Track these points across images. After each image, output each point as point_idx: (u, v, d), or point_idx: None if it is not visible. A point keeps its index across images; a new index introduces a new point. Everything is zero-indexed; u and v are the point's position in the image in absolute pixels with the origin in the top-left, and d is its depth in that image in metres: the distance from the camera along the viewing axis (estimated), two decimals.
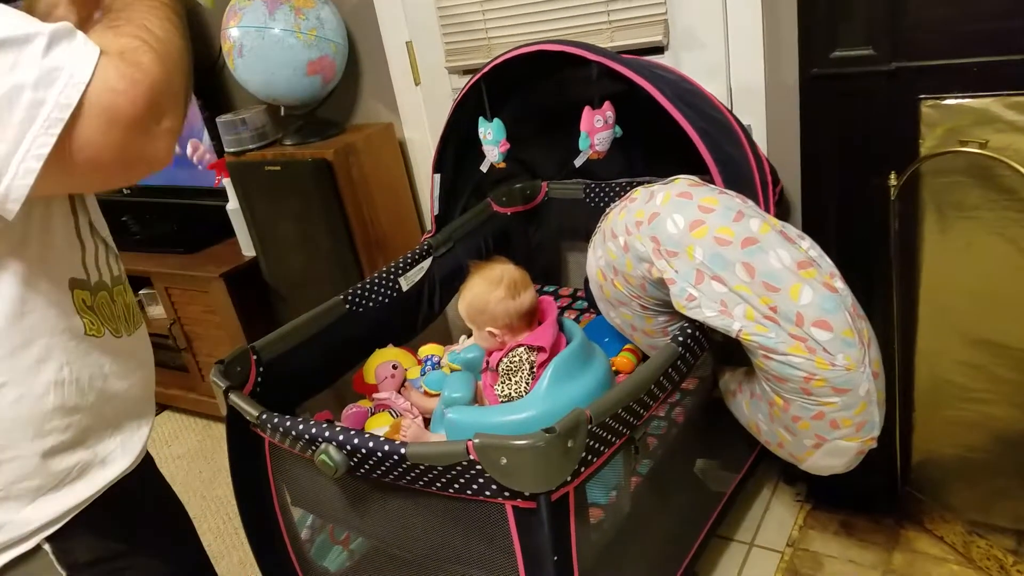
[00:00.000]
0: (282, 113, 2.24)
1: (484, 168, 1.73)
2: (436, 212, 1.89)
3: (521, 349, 1.35)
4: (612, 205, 1.42)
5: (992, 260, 1.50)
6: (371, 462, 1.09)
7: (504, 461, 0.98)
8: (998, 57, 1.35)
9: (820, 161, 1.60)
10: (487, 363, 1.42)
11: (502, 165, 1.68)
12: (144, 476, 0.86)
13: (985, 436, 1.65)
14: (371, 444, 1.07)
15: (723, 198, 1.23)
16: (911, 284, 1.57)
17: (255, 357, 1.42)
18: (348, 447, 1.09)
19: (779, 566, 1.74)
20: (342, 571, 1.48)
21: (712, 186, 1.28)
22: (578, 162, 1.59)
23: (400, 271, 1.79)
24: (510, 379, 1.33)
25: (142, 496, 0.85)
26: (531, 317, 1.44)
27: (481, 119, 1.65)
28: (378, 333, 1.71)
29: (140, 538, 0.81)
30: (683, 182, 1.28)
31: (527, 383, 1.30)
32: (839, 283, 1.16)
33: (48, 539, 0.70)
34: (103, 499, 0.76)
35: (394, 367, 1.56)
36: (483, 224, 2.06)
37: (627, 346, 1.66)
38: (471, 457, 1.00)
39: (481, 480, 1.03)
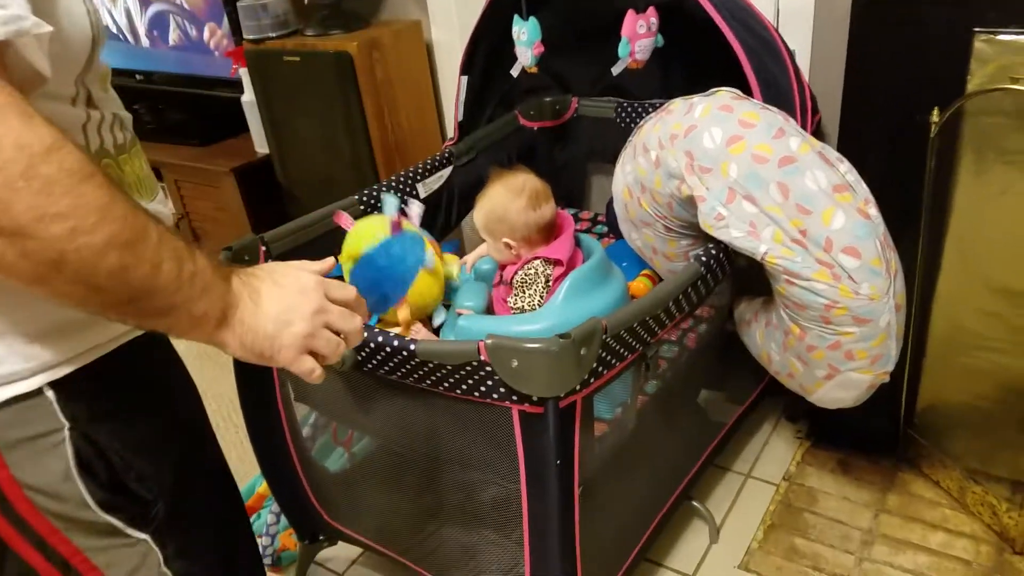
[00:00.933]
0: (306, 1, 2.15)
1: (515, 72, 1.66)
2: (460, 118, 1.83)
3: (537, 262, 1.32)
4: (647, 118, 1.36)
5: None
6: (379, 357, 1.08)
7: (515, 363, 0.96)
8: None
9: (863, 92, 1.53)
10: (500, 276, 1.39)
11: (534, 70, 1.61)
12: (157, 348, 0.85)
13: (994, 386, 1.63)
14: (380, 339, 1.05)
15: (765, 114, 1.17)
16: (940, 226, 1.53)
17: (264, 248, 1.39)
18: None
19: (774, 498, 1.75)
20: (343, 471, 1.49)
21: (755, 101, 1.22)
22: (616, 69, 1.52)
23: (419, 176, 1.74)
24: (524, 292, 1.30)
25: (152, 366, 0.84)
26: (549, 231, 1.41)
27: (516, 17, 1.58)
28: None
29: (147, 403, 0.80)
30: (726, 95, 1.23)
31: (541, 297, 1.28)
32: (873, 210, 1.12)
33: (52, 385, 0.69)
34: (113, 357, 0.74)
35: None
36: (508, 137, 2.00)
37: (645, 271, 1.63)
38: (482, 358, 0.99)
39: (490, 382, 1.02)
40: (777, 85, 1.41)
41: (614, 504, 1.24)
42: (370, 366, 1.11)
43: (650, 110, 1.95)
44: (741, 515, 1.71)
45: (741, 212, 1.16)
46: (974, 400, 1.65)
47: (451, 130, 2.42)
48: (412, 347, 1.02)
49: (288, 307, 0.68)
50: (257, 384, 1.39)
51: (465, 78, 1.79)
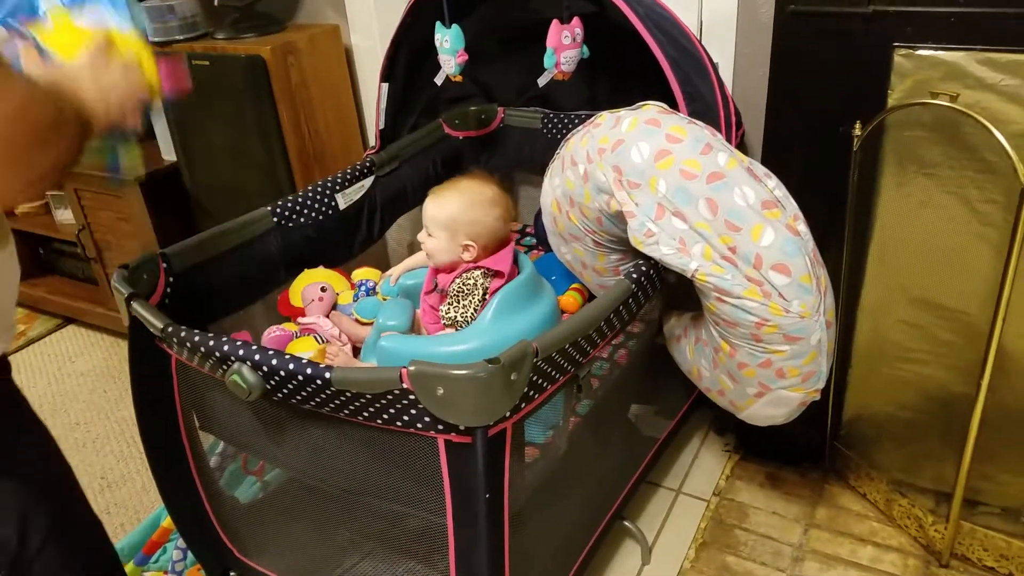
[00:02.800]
0: (216, 3, 2.04)
1: (439, 80, 1.60)
2: (382, 126, 1.75)
3: (478, 272, 1.25)
4: (575, 130, 1.32)
5: (946, 220, 1.47)
6: (290, 386, 0.99)
7: (441, 391, 0.90)
8: (976, 9, 1.29)
9: (787, 104, 1.54)
10: (434, 283, 1.32)
11: (459, 79, 1.55)
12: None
13: (917, 396, 1.66)
14: (291, 366, 0.97)
15: (692, 128, 1.15)
16: (863, 238, 1.54)
17: (165, 265, 1.28)
18: (265, 368, 0.99)
19: (704, 515, 1.73)
20: (254, 502, 1.39)
21: (681, 115, 1.19)
22: (541, 81, 1.48)
23: (338, 187, 1.65)
24: (459, 302, 1.23)
25: None
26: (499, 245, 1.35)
27: (439, 24, 1.52)
28: (308, 252, 1.58)
29: None
30: (652, 108, 1.19)
31: (476, 309, 1.21)
32: (802, 226, 1.10)
33: None
34: None
35: (323, 289, 1.45)
36: (433, 146, 1.93)
37: (575, 285, 1.58)
38: (404, 385, 0.92)
39: (413, 411, 0.95)
40: (702, 98, 1.39)
41: (546, 531, 1.18)
42: (280, 395, 1.02)
43: (577, 121, 1.92)
44: (672, 533, 1.68)
45: (671, 228, 1.13)
46: (898, 411, 1.67)
47: (373, 138, 2.35)
48: (327, 375, 0.94)
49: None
50: (158, 412, 1.28)
51: (386, 85, 1.71)
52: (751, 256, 1.08)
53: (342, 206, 1.66)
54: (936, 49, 1.36)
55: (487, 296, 1.24)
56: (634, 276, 1.16)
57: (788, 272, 1.08)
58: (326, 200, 1.63)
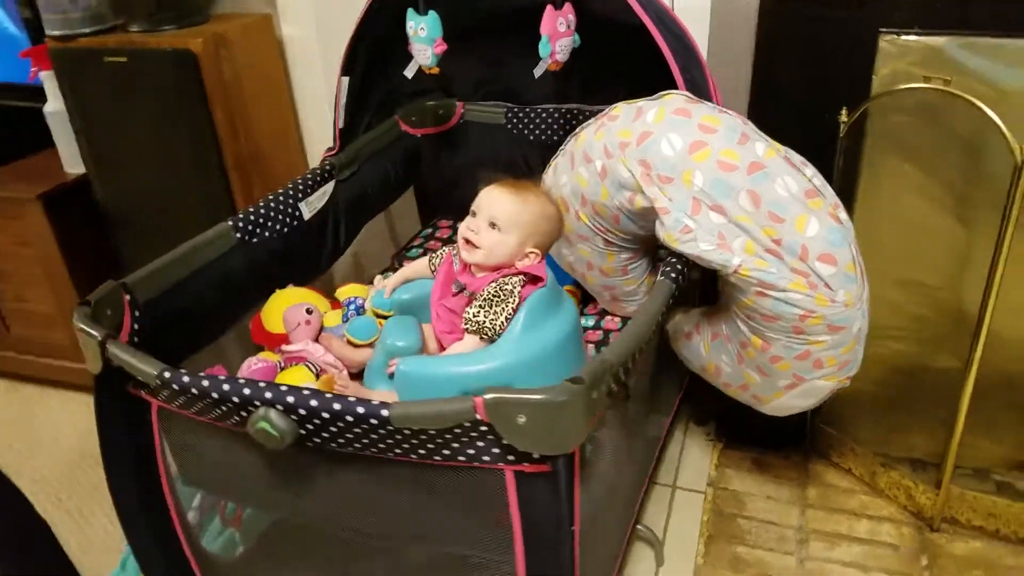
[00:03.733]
0: None
1: (410, 73, 1.47)
2: (342, 125, 1.60)
3: (516, 279, 1.14)
4: (585, 124, 1.24)
5: (927, 202, 1.50)
6: (333, 429, 0.87)
7: (523, 420, 0.80)
8: None
9: (772, 92, 1.52)
10: (460, 286, 1.20)
11: (435, 70, 1.44)
12: None
13: (891, 372, 1.70)
14: (336, 407, 0.84)
15: (725, 117, 1.10)
16: None
17: (128, 297, 1.11)
18: (301, 411, 0.86)
19: (704, 507, 1.71)
20: (247, 555, 1.24)
21: (710, 103, 1.14)
22: (537, 72, 1.38)
23: (300, 194, 1.50)
24: (491, 307, 1.12)
25: None
26: None
27: (411, 12, 1.39)
28: (275, 270, 1.43)
29: None
30: (678, 98, 1.13)
31: (507, 318, 1.11)
32: (843, 214, 1.08)
33: None
34: None
35: (308, 311, 1.30)
36: (391, 145, 1.80)
37: (567, 286, 1.51)
38: (478, 416, 0.81)
39: (481, 443, 0.85)
40: (699, 89, 1.34)
41: (594, 551, 1.11)
42: (317, 440, 0.89)
43: (544, 116, 1.84)
44: (678, 530, 1.65)
45: (708, 223, 1.08)
46: (874, 387, 1.71)
47: (314, 137, 2.18)
48: (384, 413, 0.83)
49: None
50: (133, 470, 1.11)
51: (346, 79, 1.57)
52: (797, 247, 1.05)
53: (307, 216, 1.51)
54: (921, 35, 1.38)
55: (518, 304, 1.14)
56: (672, 276, 1.10)
57: (834, 262, 1.05)
58: (289, 210, 1.47)
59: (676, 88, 1.30)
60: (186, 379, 0.91)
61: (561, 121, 1.84)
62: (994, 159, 1.41)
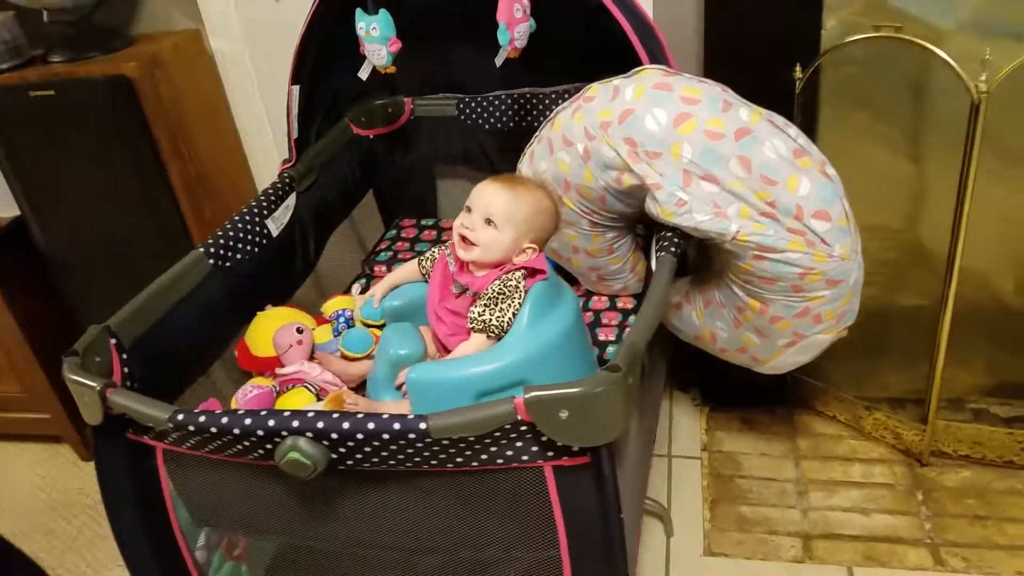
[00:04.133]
0: (46, 19, 1.70)
1: (364, 75, 1.43)
2: (296, 135, 1.55)
3: (519, 273, 1.12)
4: (559, 108, 1.23)
5: (882, 148, 1.55)
6: (367, 449, 0.84)
7: (564, 414, 0.79)
8: None
9: (723, 53, 1.54)
10: (461, 287, 1.17)
11: (391, 69, 1.39)
12: None
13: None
14: (371, 426, 0.81)
15: (705, 87, 1.10)
16: None
17: (114, 341, 1.05)
18: (333, 435, 0.83)
19: (703, 472, 1.74)
20: None
21: (686, 75, 1.14)
22: (498, 60, 1.36)
23: (265, 212, 1.44)
24: (496, 304, 1.10)
25: None
26: None
27: (360, 12, 1.34)
28: (251, 292, 1.37)
29: None
30: (655, 72, 1.13)
31: (514, 313, 1.09)
32: (831, 170, 1.10)
33: None
34: None
35: (299, 331, 1.25)
36: (345, 150, 1.75)
37: None
38: (519, 417, 0.80)
39: (519, 444, 0.84)
40: (658, 60, 1.34)
41: (631, 536, 1.11)
42: (349, 463, 0.86)
43: (496, 103, 1.82)
44: (682, 498, 1.67)
45: (701, 193, 1.08)
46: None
47: (257, 152, 2.10)
48: (422, 426, 0.80)
49: None
50: (142, 519, 1.05)
51: (296, 88, 1.51)
52: (791, 207, 1.06)
53: (275, 232, 1.46)
54: None
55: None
56: (672, 250, 1.10)
57: (828, 217, 1.07)
58: (257, 228, 1.41)
59: (636, 63, 1.30)
60: (203, 419, 0.86)
61: (515, 107, 1.82)
62: (944, 101, 1.46)
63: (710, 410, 1.93)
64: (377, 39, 1.35)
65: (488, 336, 1.11)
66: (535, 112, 1.81)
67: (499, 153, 1.86)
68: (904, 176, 1.57)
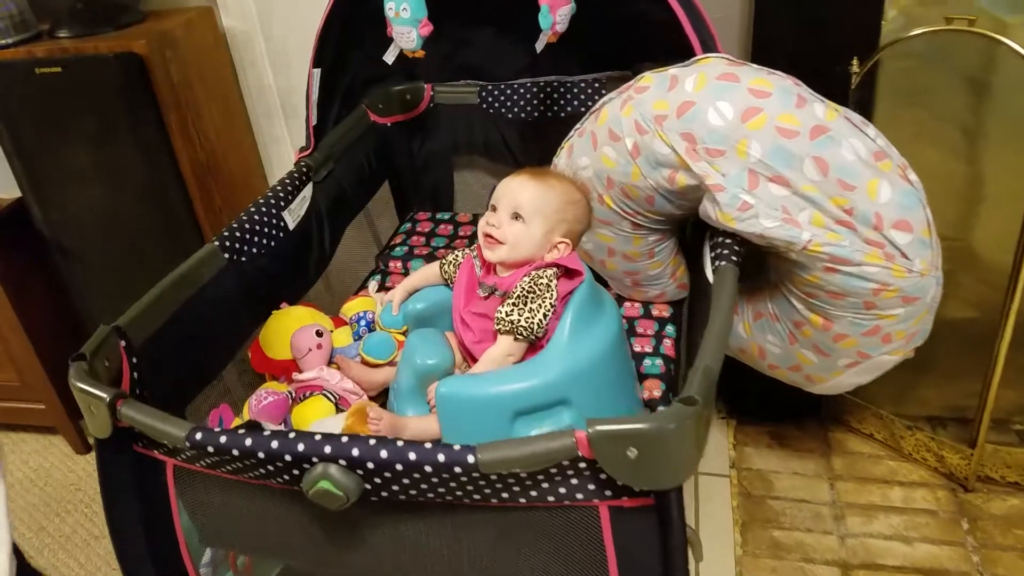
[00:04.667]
0: None
1: (390, 59, 1.32)
2: (315, 122, 1.44)
3: (551, 271, 1.02)
4: (604, 99, 1.12)
5: (939, 149, 1.45)
6: (406, 480, 0.74)
7: (633, 453, 0.69)
8: None
9: (772, 48, 1.44)
10: (488, 289, 1.07)
11: (420, 54, 1.29)
12: None
13: None
14: (413, 456, 0.72)
15: (775, 79, 1.00)
16: None
17: (124, 343, 0.95)
18: (370, 464, 0.73)
19: (732, 492, 1.64)
20: None
21: (753, 64, 1.03)
22: (539, 45, 1.25)
23: (281, 203, 1.34)
24: (525, 304, 0.99)
25: None
26: None
27: None
28: (266, 289, 1.27)
29: None
30: (719, 61, 1.03)
31: (544, 314, 0.99)
32: (912, 175, 1.00)
33: None
34: None
35: (319, 334, 1.15)
36: (362, 138, 1.65)
37: None
38: (580, 453, 0.70)
39: (575, 481, 0.74)
40: (710, 49, 1.23)
41: None
42: (384, 495, 0.76)
43: (521, 92, 1.72)
44: (711, 519, 1.58)
45: (769, 197, 0.98)
46: None
47: (267, 136, 2.00)
48: (471, 459, 0.70)
49: None
50: (147, 536, 0.95)
51: (318, 72, 1.41)
52: (870, 216, 0.96)
53: (291, 225, 1.35)
54: None
55: (556, 304, 1.02)
56: (733, 259, 1.00)
57: (910, 228, 0.97)
58: (274, 221, 1.31)
59: (679, 52, 1.20)
60: (224, 440, 0.76)
61: (541, 96, 1.72)
62: (1012, 99, 1.36)
63: (737, 423, 1.84)
64: (407, 21, 1.25)
65: (516, 338, 1.01)
66: (562, 102, 1.71)
67: (522, 144, 1.76)
68: (961, 180, 1.47)
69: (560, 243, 1.04)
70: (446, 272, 1.19)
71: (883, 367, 1.14)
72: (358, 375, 1.15)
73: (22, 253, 1.77)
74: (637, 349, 1.30)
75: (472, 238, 1.72)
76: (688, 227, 1.31)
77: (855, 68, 1.38)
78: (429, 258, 1.63)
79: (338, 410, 1.12)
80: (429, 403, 1.03)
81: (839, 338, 1.09)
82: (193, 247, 1.58)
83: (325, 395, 1.11)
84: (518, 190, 1.05)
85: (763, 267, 1.19)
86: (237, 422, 1.10)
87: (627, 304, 1.43)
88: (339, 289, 1.55)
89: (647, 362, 1.27)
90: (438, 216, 1.82)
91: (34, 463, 2.04)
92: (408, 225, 1.81)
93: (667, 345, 1.30)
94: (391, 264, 1.64)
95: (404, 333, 1.22)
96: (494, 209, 1.07)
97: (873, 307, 1.03)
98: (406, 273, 1.61)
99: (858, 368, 1.14)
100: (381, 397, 1.20)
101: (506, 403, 0.96)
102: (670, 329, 1.35)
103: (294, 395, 1.14)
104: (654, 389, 1.20)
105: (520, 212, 1.04)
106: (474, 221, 1.79)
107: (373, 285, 1.49)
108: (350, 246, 1.60)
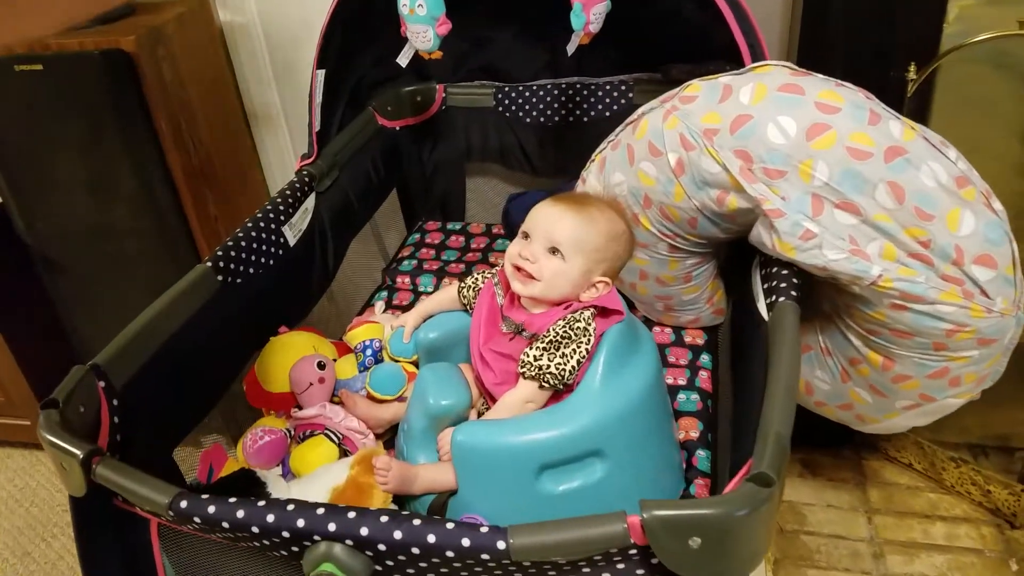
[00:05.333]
0: None
1: (404, 60, 1.21)
2: (319, 127, 1.33)
3: (588, 313, 0.90)
4: (643, 109, 1.01)
5: (1002, 162, 1.33)
6: (423, 564, 0.63)
7: (696, 543, 0.58)
8: None
9: (821, 51, 1.32)
10: (519, 326, 0.95)
11: (438, 55, 1.18)
12: None
13: None
14: (432, 539, 0.60)
15: (845, 92, 0.88)
16: None
17: (103, 383, 0.83)
18: (381, 546, 0.62)
19: None
20: None
21: (819, 75, 0.92)
22: (571, 48, 1.14)
23: (282, 217, 1.23)
24: (558, 349, 0.88)
25: None
26: None
27: None
28: (265, 313, 1.16)
29: None
30: (780, 70, 0.91)
31: (579, 362, 0.87)
32: (996, 203, 0.88)
33: None
34: None
35: (321, 365, 1.04)
36: (368, 143, 1.53)
37: None
38: (632, 540, 0.59)
39: (622, 566, 0.63)
40: (757, 55, 1.11)
41: None
42: None
43: (541, 94, 1.60)
44: None
45: (835, 225, 0.87)
46: None
47: (266, 140, 1.89)
48: (502, 546, 0.59)
49: None
50: None
51: (322, 73, 1.29)
52: (950, 250, 0.85)
53: (291, 241, 1.24)
54: None
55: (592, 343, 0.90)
56: (793, 295, 0.88)
57: (994, 264, 0.86)
58: (272, 238, 1.20)
59: (718, 56, 1.08)
60: (212, 510, 0.65)
61: (561, 99, 1.61)
62: None
63: None
64: (423, 19, 1.13)
65: (541, 386, 0.90)
66: (585, 105, 1.59)
67: (540, 150, 1.65)
68: (1019, 195, 1.36)
69: (599, 282, 0.92)
70: (465, 297, 1.08)
71: (945, 411, 1.03)
72: (364, 412, 1.03)
73: (4, 264, 1.66)
74: (670, 381, 1.19)
75: (485, 251, 1.61)
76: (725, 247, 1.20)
77: (912, 75, 1.27)
78: (439, 273, 1.52)
79: (342, 451, 1.01)
80: (440, 450, 0.92)
81: (900, 379, 0.98)
82: (186, 259, 1.46)
83: (328, 435, 0.99)
84: (555, 221, 0.92)
85: (813, 294, 1.08)
86: (230, 465, 0.99)
87: (656, 329, 1.32)
88: (343, 307, 1.44)
89: (681, 397, 1.15)
90: (448, 227, 1.71)
91: (20, 481, 1.93)
92: (417, 236, 1.70)
93: (703, 377, 1.19)
94: (399, 279, 1.53)
95: (415, 363, 1.11)
96: (525, 236, 0.95)
97: (944, 348, 0.91)
98: (414, 290, 1.50)
99: (917, 411, 1.03)
100: (389, 432, 1.09)
101: (532, 455, 0.85)
102: (705, 359, 1.23)
103: (293, 433, 1.03)
104: (691, 429, 1.09)
105: (558, 247, 0.91)
106: (487, 232, 1.68)
107: (380, 305, 1.37)
108: (354, 260, 1.49)
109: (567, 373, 0.88)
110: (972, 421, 1.66)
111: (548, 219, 0.92)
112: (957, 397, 1.00)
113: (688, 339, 1.28)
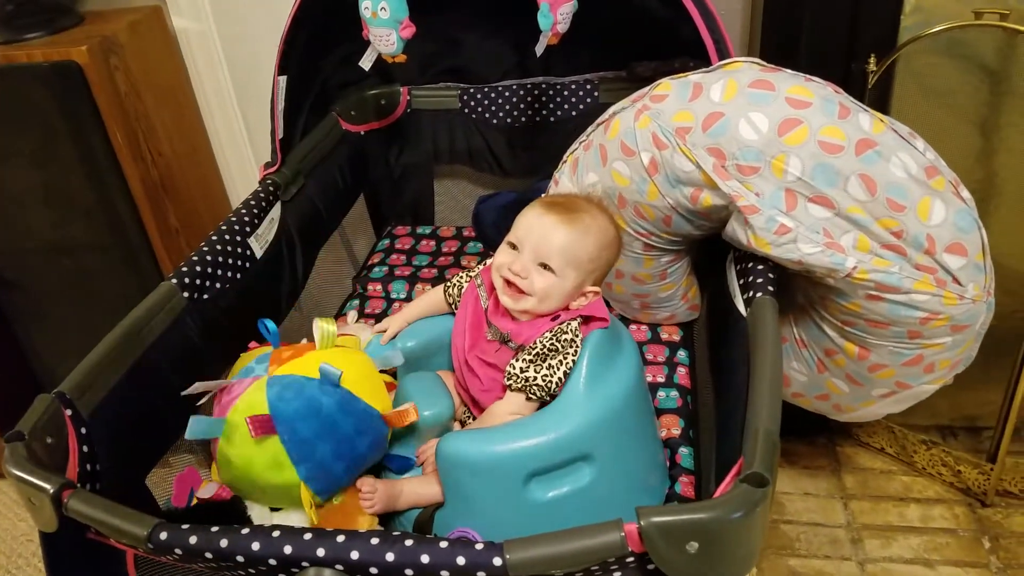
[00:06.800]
0: None
1: (367, 64, 1.19)
2: (281, 134, 1.30)
3: (575, 322, 0.89)
4: (615, 109, 1.00)
5: (962, 149, 1.36)
6: None
7: (694, 547, 0.57)
8: None
9: (783, 46, 1.33)
10: (504, 336, 0.93)
11: (402, 58, 1.16)
12: None
13: None
14: (425, 559, 0.59)
15: (815, 86, 0.89)
16: None
17: (70, 412, 0.80)
18: (372, 569, 0.60)
19: None
20: None
21: (788, 70, 0.92)
22: (539, 49, 1.13)
23: (247, 228, 1.19)
24: (544, 360, 0.87)
25: None
26: None
27: None
28: (235, 329, 1.13)
29: None
30: (750, 67, 0.91)
31: (566, 373, 0.86)
32: (964, 191, 0.90)
33: None
34: None
35: None
36: (334, 149, 1.50)
37: None
38: (630, 549, 0.58)
39: (618, 574, 0.62)
40: (723, 52, 1.12)
41: None
42: None
43: (507, 95, 1.59)
44: None
45: (810, 219, 0.87)
46: None
47: (225, 149, 1.84)
48: (498, 562, 0.58)
49: None
50: None
51: (283, 79, 1.26)
52: (922, 239, 0.86)
53: (259, 253, 1.21)
54: None
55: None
56: (770, 289, 0.88)
57: (964, 252, 0.87)
58: (239, 250, 1.17)
59: (681, 51, 1.08)
60: (194, 540, 0.63)
61: (528, 99, 1.60)
62: None
63: None
64: (387, 22, 1.12)
65: (528, 398, 0.89)
66: (551, 105, 1.59)
67: (509, 151, 1.64)
68: (985, 183, 1.39)
69: (590, 291, 0.91)
70: (451, 296, 1.06)
71: (919, 397, 1.05)
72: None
73: None
74: (649, 379, 1.18)
75: (456, 254, 1.59)
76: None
77: (872, 66, 1.29)
78: (411, 279, 1.50)
79: None
80: (424, 463, 0.90)
81: (876, 368, 0.99)
82: (147, 273, 1.42)
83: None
84: (548, 235, 0.88)
85: (787, 287, 1.09)
86: (206, 486, 0.96)
87: (632, 327, 1.31)
88: (312, 317, 1.40)
89: (661, 394, 1.15)
90: (419, 231, 1.69)
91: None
92: (387, 241, 1.68)
93: (681, 374, 1.19)
94: (370, 287, 1.51)
95: (392, 372, 1.09)
96: (513, 247, 0.92)
97: (919, 336, 0.93)
98: (387, 297, 1.48)
99: (893, 399, 1.05)
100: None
101: (520, 463, 0.84)
102: (682, 355, 1.24)
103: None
104: (672, 426, 1.09)
105: (550, 263, 0.89)
106: (458, 235, 1.66)
107: (352, 315, 1.35)
108: (324, 268, 1.46)
109: (554, 385, 0.87)
110: (941, 403, 1.68)
111: (539, 231, 0.89)
112: (932, 383, 1.01)
113: (664, 336, 1.28)
